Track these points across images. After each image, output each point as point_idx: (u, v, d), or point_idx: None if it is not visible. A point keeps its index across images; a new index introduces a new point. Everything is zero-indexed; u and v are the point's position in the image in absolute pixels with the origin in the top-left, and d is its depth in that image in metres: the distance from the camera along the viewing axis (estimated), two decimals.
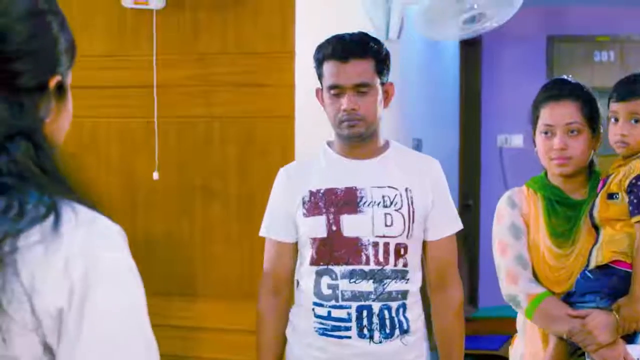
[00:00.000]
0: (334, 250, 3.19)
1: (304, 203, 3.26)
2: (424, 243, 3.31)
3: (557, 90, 3.33)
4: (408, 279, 3.22)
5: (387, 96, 3.27)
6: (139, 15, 4.64)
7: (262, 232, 3.41)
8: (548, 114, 3.28)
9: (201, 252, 4.65)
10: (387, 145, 3.35)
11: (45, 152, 1.45)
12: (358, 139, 3.23)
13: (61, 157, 1.52)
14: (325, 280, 3.20)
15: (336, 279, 3.18)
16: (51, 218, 1.36)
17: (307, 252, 3.26)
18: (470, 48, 8.84)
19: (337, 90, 3.19)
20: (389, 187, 3.23)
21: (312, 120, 4.33)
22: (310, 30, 4.40)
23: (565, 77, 3.47)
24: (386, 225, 3.18)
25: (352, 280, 3.16)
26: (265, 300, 3.39)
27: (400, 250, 3.21)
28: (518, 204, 3.34)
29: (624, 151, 3.16)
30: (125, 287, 1.42)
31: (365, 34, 3.27)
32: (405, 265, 3.21)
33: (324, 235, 3.20)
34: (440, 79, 8.16)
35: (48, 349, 1.32)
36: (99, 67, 4.75)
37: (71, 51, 1.60)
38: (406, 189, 3.23)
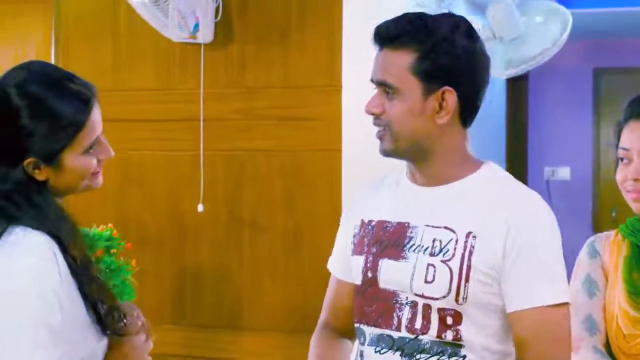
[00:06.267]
0: (365, 304, 2.35)
1: (354, 236, 2.45)
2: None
3: (637, 105, 2.55)
4: (463, 358, 2.25)
5: (441, 106, 2.28)
6: (187, 50, 4.68)
7: (328, 264, 2.62)
8: (626, 135, 2.53)
9: (248, 286, 4.64)
10: (474, 168, 2.38)
11: (22, 199, 2.03)
12: (396, 157, 2.37)
13: (54, 203, 2.07)
14: (357, 344, 2.40)
15: (364, 343, 2.35)
16: None
17: None
18: (517, 82, 8.81)
19: (374, 85, 2.33)
20: (445, 227, 2.26)
21: (359, 154, 4.33)
22: (357, 63, 4.40)
23: None
24: (426, 281, 2.23)
25: (377, 349, 2.31)
26: (315, 332, 2.61)
27: (446, 319, 2.23)
28: (600, 252, 2.61)
29: None
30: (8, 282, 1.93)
31: (439, 16, 2.31)
32: (457, 339, 2.23)
33: (359, 282, 2.37)
34: (486, 112, 8.12)
35: None
36: (146, 100, 4.79)
37: (49, 133, 2.03)
38: (468, 234, 2.23)
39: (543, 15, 4.83)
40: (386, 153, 2.32)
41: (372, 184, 2.53)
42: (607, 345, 2.54)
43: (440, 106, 2.26)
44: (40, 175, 2.05)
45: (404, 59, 2.24)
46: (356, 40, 4.42)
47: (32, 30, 5.73)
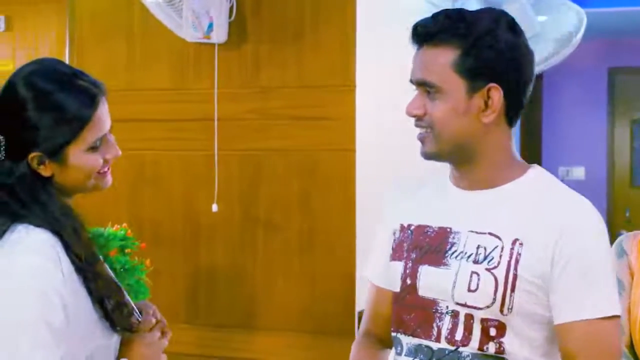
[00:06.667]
0: (403, 312, 2.23)
1: (394, 240, 2.32)
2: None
3: None
4: None
5: (487, 105, 2.15)
6: (201, 50, 4.68)
7: (366, 271, 2.49)
8: None
9: (262, 285, 4.64)
10: (521, 172, 2.24)
11: (27, 194, 2.02)
12: (438, 160, 2.24)
13: (59, 201, 2.05)
14: (393, 354, 2.30)
15: (400, 354, 2.24)
16: None
17: None
18: None
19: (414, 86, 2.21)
20: (490, 234, 2.14)
21: (373, 153, 4.32)
22: (372, 63, 4.40)
23: None
24: (469, 290, 2.11)
25: None
26: (355, 341, 2.49)
27: (489, 330, 2.10)
28: (627, 251, 2.59)
29: None
30: (9, 279, 1.92)
31: (478, 11, 2.21)
32: (499, 352, 2.10)
33: (397, 289, 2.25)
34: None
35: None
36: (160, 100, 4.80)
37: (54, 126, 2.03)
38: (514, 241, 2.11)
39: (558, 15, 4.82)
40: (428, 156, 2.20)
41: (409, 186, 2.40)
42: (631, 347, 2.48)
43: (486, 104, 2.14)
44: (45, 171, 2.04)
45: (445, 57, 2.12)
46: (370, 40, 4.42)
47: (46, 29, 5.75)
